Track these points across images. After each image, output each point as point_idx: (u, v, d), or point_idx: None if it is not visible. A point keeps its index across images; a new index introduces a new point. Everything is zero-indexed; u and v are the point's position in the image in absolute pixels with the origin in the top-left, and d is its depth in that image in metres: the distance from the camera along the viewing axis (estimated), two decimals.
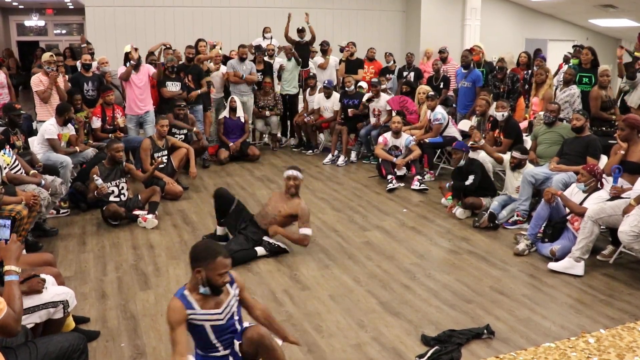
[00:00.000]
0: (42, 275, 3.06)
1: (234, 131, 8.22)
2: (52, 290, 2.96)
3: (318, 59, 9.48)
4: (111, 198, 5.53)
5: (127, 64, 7.35)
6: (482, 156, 6.04)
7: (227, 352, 2.76)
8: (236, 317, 2.80)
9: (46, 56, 6.79)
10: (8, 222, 3.22)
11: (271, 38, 9.97)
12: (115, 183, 5.56)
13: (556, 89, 7.13)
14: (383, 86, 8.41)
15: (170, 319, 2.63)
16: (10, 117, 5.71)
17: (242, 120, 8.24)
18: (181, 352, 2.58)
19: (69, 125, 6.29)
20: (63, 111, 6.11)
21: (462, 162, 5.82)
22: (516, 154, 5.64)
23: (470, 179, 5.72)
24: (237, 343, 2.77)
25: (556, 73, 8.19)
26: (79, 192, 5.87)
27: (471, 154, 5.90)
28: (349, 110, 8.24)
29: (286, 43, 9.57)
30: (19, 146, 5.67)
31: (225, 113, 8.25)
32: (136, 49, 7.40)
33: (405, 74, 9.71)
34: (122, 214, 5.45)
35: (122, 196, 5.60)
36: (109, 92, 7.14)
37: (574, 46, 9.01)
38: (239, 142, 8.12)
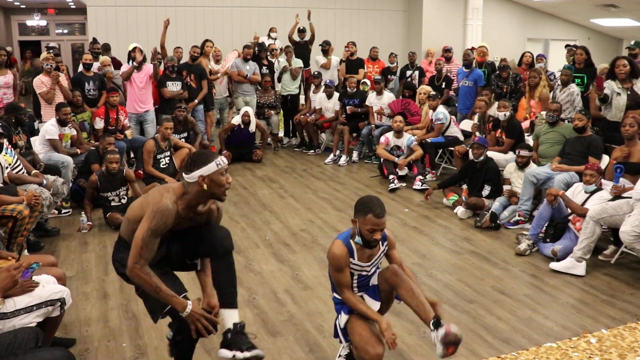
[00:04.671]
0: (42, 276, 3.07)
1: (241, 141, 8.13)
2: (50, 289, 2.97)
3: (320, 58, 9.49)
4: (112, 204, 5.53)
5: (130, 63, 7.36)
6: (495, 155, 6.07)
7: (360, 293, 3.00)
8: (379, 266, 3.01)
9: (44, 54, 6.81)
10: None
11: (276, 38, 9.99)
12: (116, 193, 5.53)
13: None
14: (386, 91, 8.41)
15: (337, 262, 2.83)
16: (16, 117, 5.73)
17: (252, 132, 8.12)
18: (349, 293, 2.88)
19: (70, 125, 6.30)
20: (58, 109, 6.12)
21: (481, 158, 5.80)
22: (524, 153, 5.65)
23: (487, 190, 5.73)
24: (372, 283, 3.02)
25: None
26: (82, 189, 5.88)
27: (489, 153, 5.92)
28: (347, 107, 8.24)
29: (287, 44, 9.57)
30: (21, 146, 5.68)
31: (238, 120, 8.05)
32: (141, 51, 7.41)
33: (409, 72, 9.71)
34: None
35: (122, 200, 5.58)
36: (114, 94, 7.14)
37: (566, 46, 8.99)
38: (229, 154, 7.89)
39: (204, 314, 2.55)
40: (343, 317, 2.95)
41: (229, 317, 2.69)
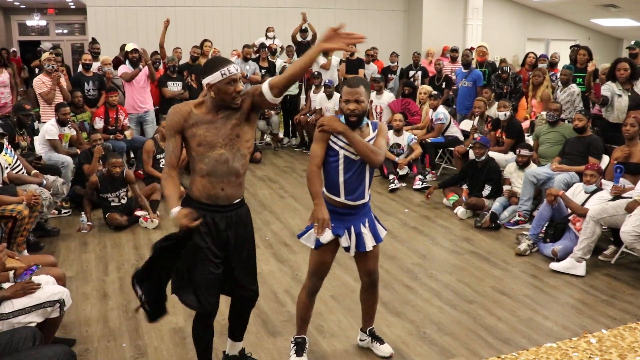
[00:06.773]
0: (41, 276, 3.07)
1: None
2: (49, 290, 2.97)
3: (320, 58, 9.48)
4: (112, 204, 5.52)
5: (127, 62, 7.36)
6: (495, 155, 6.08)
7: (344, 212, 2.92)
8: (367, 175, 2.91)
9: (45, 54, 6.81)
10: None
11: (274, 38, 9.98)
12: (116, 194, 5.50)
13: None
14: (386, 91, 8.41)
15: (325, 120, 2.86)
16: (18, 117, 5.72)
17: None
18: (315, 169, 2.86)
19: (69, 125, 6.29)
20: (57, 109, 6.11)
21: (483, 158, 5.80)
22: (524, 152, 5.66)
23: (487, 190, 5.74)
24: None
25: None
26: (78, 196, 5.85)
27: (490, 153, 5.93)
28: None
29: (289, 43, 9.58)
30: (24, 146, 5.68)
31: None
32: (142, 50, 7.40)
33: (412, 73, 9.71)
34: (125, 223, 5.41)
35: (122, 200, 5.57)
36: (114, 94, 7.14)
37: (571, 47, 8.99)
38: None
39: (186, 224, 2.46)
40: (314, 241, 2.97)
41: (232, 347, 3.06)
